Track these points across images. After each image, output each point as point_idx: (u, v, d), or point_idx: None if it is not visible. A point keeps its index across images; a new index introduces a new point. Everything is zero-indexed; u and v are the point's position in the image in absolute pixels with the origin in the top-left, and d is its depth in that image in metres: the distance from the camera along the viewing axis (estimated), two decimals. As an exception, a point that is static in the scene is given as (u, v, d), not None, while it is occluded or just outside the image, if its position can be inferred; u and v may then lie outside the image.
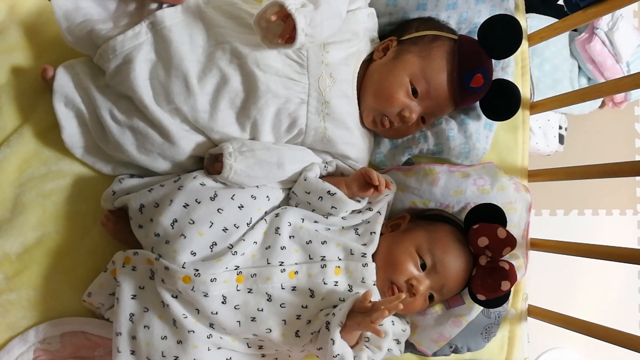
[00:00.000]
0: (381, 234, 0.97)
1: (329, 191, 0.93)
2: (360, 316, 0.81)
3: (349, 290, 0.90)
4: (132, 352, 0.87)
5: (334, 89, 0.94)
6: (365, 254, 0.91)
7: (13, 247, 0.95)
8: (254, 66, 0.89)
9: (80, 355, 0.96)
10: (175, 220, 0.87)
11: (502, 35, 0.99)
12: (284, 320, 0.87)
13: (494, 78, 1.03)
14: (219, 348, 0.89)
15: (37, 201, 0.96)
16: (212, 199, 0.89)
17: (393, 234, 0.97)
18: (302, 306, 0.88)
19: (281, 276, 0.88)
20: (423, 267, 0.93)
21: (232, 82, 0.90)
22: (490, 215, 0.97)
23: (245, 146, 0.90)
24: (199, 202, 0.88)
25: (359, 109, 1.01)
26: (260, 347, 0.93)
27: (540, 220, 1.95)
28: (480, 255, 0.95)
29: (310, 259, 0.91)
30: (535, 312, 1.16)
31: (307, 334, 0.89)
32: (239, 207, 0.90)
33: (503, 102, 1.04)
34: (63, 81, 0.93)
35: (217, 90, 0.91)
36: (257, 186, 0.94)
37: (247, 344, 0.91)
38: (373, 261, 0.92)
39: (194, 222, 0.87)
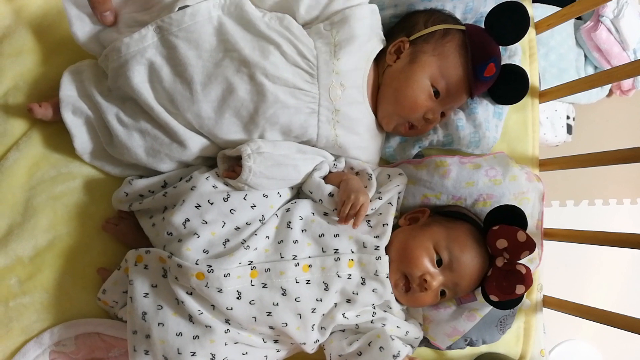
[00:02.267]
0: (399, 227, 0.96)
1: (329, 193, 0.93)
2: None
3: (362, 284, 0.90)
4: (146, 352, 0.86)
5: (344, 96, 0.93)
6: (378, 246, 0.90)
7: (25, 251, 0.95)
8: (262, 76, 0.88)
9: (95, 356, 0.96)
10: (187, 220, 0.87)
11: (509, 22, 0.99)
12: (299, 314, 0.87)
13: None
14: (235, 343, 0.89)
15: (47, 204, 0.96)
16: (225, 200, 0.89)
17: (410, 227, 0.97)
18: (317, 299, 0.88)
19: (295, 270, 0.88)
20: (439, 263, 0.92)
21: (238, 92, 0.89)
22: (510, 217, 0.95)
23: (262, 147, 0.89)
24: (211, 203, 0.88)
25: (376, 115, 1.00)
26: (276, 342, 0.92)
27: (551, 212, 1.94)
28: (497, 256, 0.94)
29: (323, 252, 0.90)
30: (551, 303, 1.15)
31: (318, 328, 0.89)
32: (251, 206, 0.90)
33: (511, 86, 1.04)
34: (67, 90, 0.93)
35: (222, 99, 0.89)
36: None
37: (263, 338, 0.91)
38: (386, 254, 0.91)
39: (206, 223, 0.87)
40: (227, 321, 0.87)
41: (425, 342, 1.05)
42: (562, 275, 1.65)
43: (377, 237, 0.92)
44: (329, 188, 0.93)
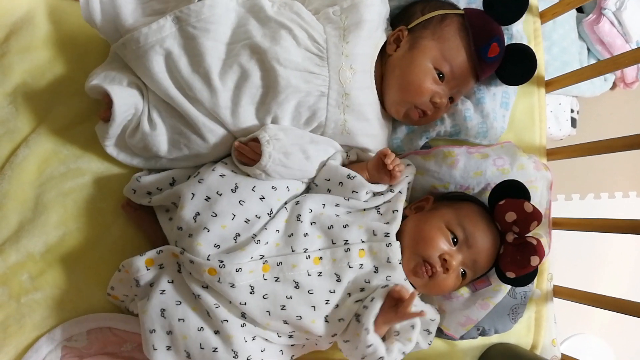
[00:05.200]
0: (405, 216, 0.96)
1: (348, 175, 0.93)
2: (392, 311, 0.85)
3: (374, 272, 0.90)
4: (168, 348, 0.86)
5: (354, 80, 0.94)
6: (388, 233, 0.90)
7: (36, 247, 0.95)
8: (274, 61, 0.89)
9: (108, 351, 0.96)
10: (198, 214, 0.87)
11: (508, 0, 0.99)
12: (314, 307, 0.87)
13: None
14: (253, 338, 0.89)
15: (57, 200, 0.96)
16: (234, 190, 0.89)
17: (418, 214, 0.97)
18: (330, 291, 0.88)
19: (306, 263, 0.87)
20: (454, 242, 0.92)
21: (252, 78, 0.90)
22: (513, 192, 0.96)
23: (279, 134, 0.89)
24: (220, 195, 0.88)
25: (382, 104, 1.01)
26: (290, 337, 0.92)
27: (557, 205, 1.92)
28: (507, 232, 0.94)
29: (333, 243, 0.90)
30: (561, 292, 1.14)
31: (335, 320, 0.88)
32: (260, 198, 0.90)
33: (519, 65, 1.04)
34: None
35: (237, 87, 0.91)
36: None
37: (277, 333, 0.91)
38: (397, 240, 0.91)
39: (216, 215, 0.86)
40: (242, 315, 0.86)
41: (438, 332, 1.04)
42: (572, 266, 1.64)
43: (387, 223, 0.92)
44: (348, 170, 0.93)
